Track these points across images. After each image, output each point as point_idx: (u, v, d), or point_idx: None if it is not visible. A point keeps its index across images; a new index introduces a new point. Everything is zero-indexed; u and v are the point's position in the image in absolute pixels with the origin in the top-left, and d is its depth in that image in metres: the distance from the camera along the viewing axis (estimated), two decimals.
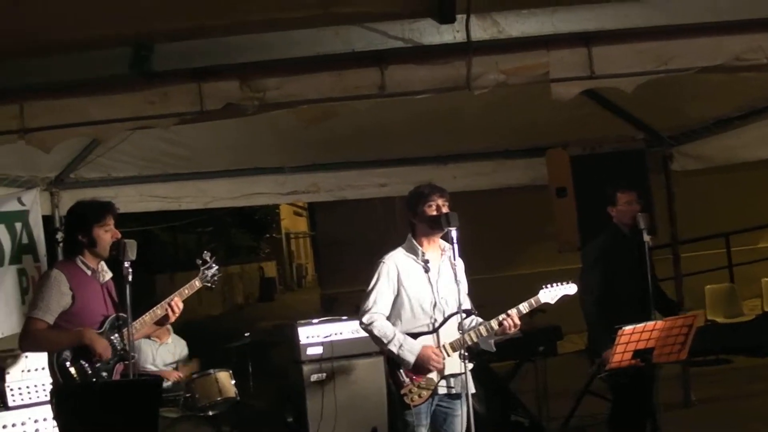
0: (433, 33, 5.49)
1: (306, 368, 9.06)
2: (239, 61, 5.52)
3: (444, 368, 6.69)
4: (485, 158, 11.23)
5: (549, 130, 10.25)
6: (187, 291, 6.84)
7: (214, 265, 7.12)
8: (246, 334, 10.00)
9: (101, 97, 5.64)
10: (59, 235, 9.64)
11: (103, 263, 6.57)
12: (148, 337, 9.55)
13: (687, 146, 10.49)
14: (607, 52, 5.73)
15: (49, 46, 5.37)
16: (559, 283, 7.08)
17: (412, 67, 5.69)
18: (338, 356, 9.10)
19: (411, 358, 6.63)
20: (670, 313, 7.67)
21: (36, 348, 6.60)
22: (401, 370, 6.70)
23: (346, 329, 9.05)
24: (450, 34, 5.47)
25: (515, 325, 6.81)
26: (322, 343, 9.08)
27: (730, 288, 15.25)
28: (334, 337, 9.11)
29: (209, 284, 7.11)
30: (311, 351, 9.07)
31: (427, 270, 6.84)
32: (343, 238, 17.46)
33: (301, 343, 9.07)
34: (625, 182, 8.16)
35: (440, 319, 6.80)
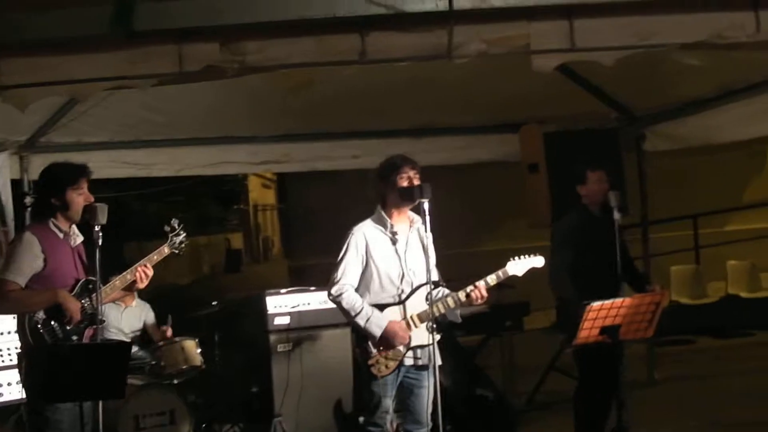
0: (416, 0, 5.48)
1: (273, 338, 9.04)
2: (220, 22, 5.49)
3: (411, 340, 6.73)
4: (459, 133, 11.27)
5: (524, 107, 10.29)
6: (156, 257, 6.83)
7: (182, 232, 7.13)
8: (214, 303, 9.97)
9: (81, 56, 5.61)
10: (28, 200, 9.58)
11: (74, 226, 6.52)
12: (113, 301, 9.51)
13: (660, 126, 10.54)
14: (589, 26, 5.74)
15: (30, 2, 5.32)
16: (526, 255, 7.13)
17: (393, 34, 5.68)
18: (305, 326, 9.08)
19: (377, 332, 6.67)
20: (640, 286, 7.76)
21: (9, 310, 6.61)
22: (368, 344, 6.74)
23: (314, 300, 9.02)
24: (432, 2, 5.47)
25: (482, 297, 6.88)
26: (289, 313, 9.06)
27: (695, 270, 15.40)
28: (301, 308, 9.09)
29: (177, 251, 7.13)
30: (279, 321, 9.04)
31: (394, 242, 6.87)
32: (313, 209, 17.44)
33: (268, 312, 9.05)
34: (593, 160, 8.20)
35: (408, 291, 6.84)
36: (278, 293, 9.21)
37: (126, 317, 9.91)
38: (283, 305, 9.07)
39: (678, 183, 16.83)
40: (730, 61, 7.31)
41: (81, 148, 10.24)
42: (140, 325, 9.94)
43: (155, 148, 10.74)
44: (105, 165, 10.43)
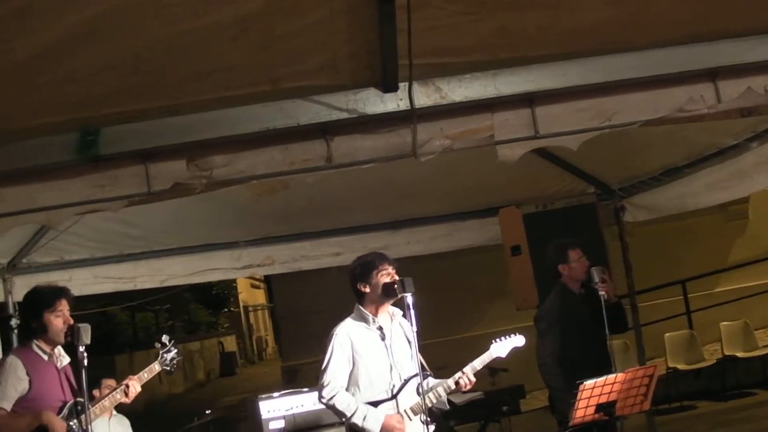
0: (377, 102, 5.57)
1: None
2: (185, 140, 5.54)
3: None
4: (439, 221, 11.27)
5: (501, 190, 10.32)
6: (146, 375, 6.87)
7: (173, 348, 7.15)
8: (207, 412, 9.85)
9: (49, 183, 5.63)
10: (13, 322, 9.54)
11: (59, 348, 6.53)
12: None
13: (637, 197, 10.55)
14: (551, 112, 5.83)
15: None
16: (508, 336, 7.23)
17: (357, 137, 5.76)
18: (301, 429, 8.97)
19: (377, 428, 6.64)
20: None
21: None
22: None
23: (308, 401, 8.90)
24: (393, 102, 5.55)
25: (471, 383, 6.91)
26: (284, 417, 8.96)
27: (689, 334, 15.34)
28: (296, 410, 8.99)
29: (168, 368, 7.15)
30: (273, 425, 8.92)
31: (383, 337, 6.86)
32: (300, 309, 17.41)
33: (263, 417, 8.94)
34: (573, 237, 8.21)
35: (398, 384, 6.83)
36: (271, 397, 9.12)
37: (114, 427, 9.69)
38: (276, 409, 8.96)
39: (665, 250, 16.92)
40: (699, 128, 7.35)
41: (63, 266, 10.26)
42: None
43: (136, 261, 10.71)
44: (89, 282, 10.45)
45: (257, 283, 53.58)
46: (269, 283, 21.17)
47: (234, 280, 46.08)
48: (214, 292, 46.06)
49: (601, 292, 7.50)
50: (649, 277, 14.75)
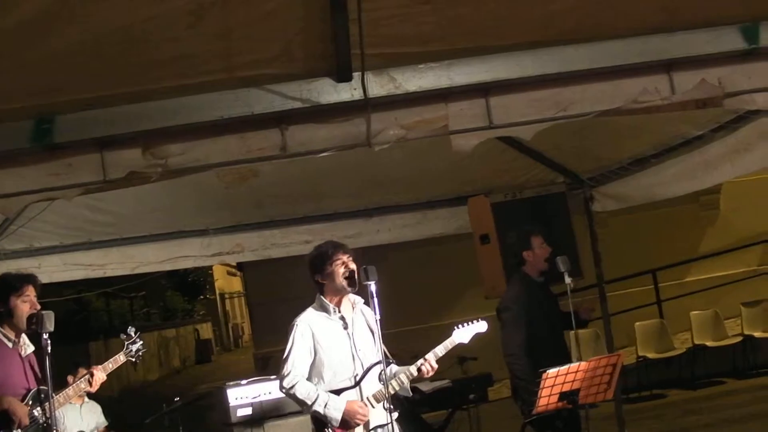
0: (331, 92, 5.54)
1: (236, 431, 8.96)
2: (140, 128, 5.48)
3: (369, 421, 6.73)
4: (409, 210, 11.21)
5: (471, 178, 10.32)
6: (111, 365, 6.94)
7: (138, 339, 7.21)
8: (176, 399, 9.86)
9: (4, 171, 5.57)
10: None
11: (24, 336, 6.55)
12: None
13: (606, 187, 10.54)
14: (505, 102, 5.79)
15: None
16: (470, 322, 7.30)
17: (312, 127, 5.70)
18: (268, 416, 9.01)
19: (338, 416, 6.66)
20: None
21: None
22: (328, 429, 6.73)
23: (275, 388, 8.89)
24: (347, 92, 5.52)
25: (433, 369, 6.97)
26: (251, 404, 9.00)
27: (659, 324, 15.47)
28: (263, 397, 9.03)
29: (133, 359, 7.21)
30: (241, 412, 8.98)
31: (345, 326, 6.91)
32: (273, 296, 17.36)
33: (230, 405, 8.98)
34: (540, 226, 8.26)
35: (360, 372, 6.85)
36: (239, 384, 9.16)
37: (85, 414, 9.71)
38: (244, 396, 9.00)
39: (635, 239, 17.01)
40: (665, 118, 7.37)
41: (33, 253, 10.18)
42: (95, 425, 9.75)
43: (107, 248, 10.63)
44: (58, 269, 10.39)
45: (233, 270, 53.55)
46: (243, 270, 21.24)
47: (210, 267, 46.18)
48: (190, 279, 46.13)
49: (567, 281, 7.56)
50: (622, 266, 14.89)
